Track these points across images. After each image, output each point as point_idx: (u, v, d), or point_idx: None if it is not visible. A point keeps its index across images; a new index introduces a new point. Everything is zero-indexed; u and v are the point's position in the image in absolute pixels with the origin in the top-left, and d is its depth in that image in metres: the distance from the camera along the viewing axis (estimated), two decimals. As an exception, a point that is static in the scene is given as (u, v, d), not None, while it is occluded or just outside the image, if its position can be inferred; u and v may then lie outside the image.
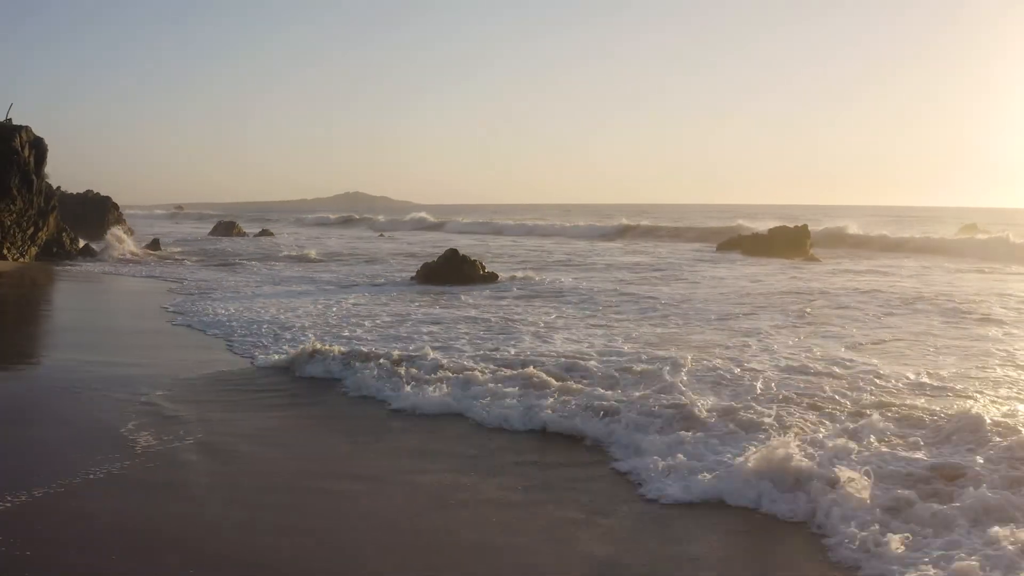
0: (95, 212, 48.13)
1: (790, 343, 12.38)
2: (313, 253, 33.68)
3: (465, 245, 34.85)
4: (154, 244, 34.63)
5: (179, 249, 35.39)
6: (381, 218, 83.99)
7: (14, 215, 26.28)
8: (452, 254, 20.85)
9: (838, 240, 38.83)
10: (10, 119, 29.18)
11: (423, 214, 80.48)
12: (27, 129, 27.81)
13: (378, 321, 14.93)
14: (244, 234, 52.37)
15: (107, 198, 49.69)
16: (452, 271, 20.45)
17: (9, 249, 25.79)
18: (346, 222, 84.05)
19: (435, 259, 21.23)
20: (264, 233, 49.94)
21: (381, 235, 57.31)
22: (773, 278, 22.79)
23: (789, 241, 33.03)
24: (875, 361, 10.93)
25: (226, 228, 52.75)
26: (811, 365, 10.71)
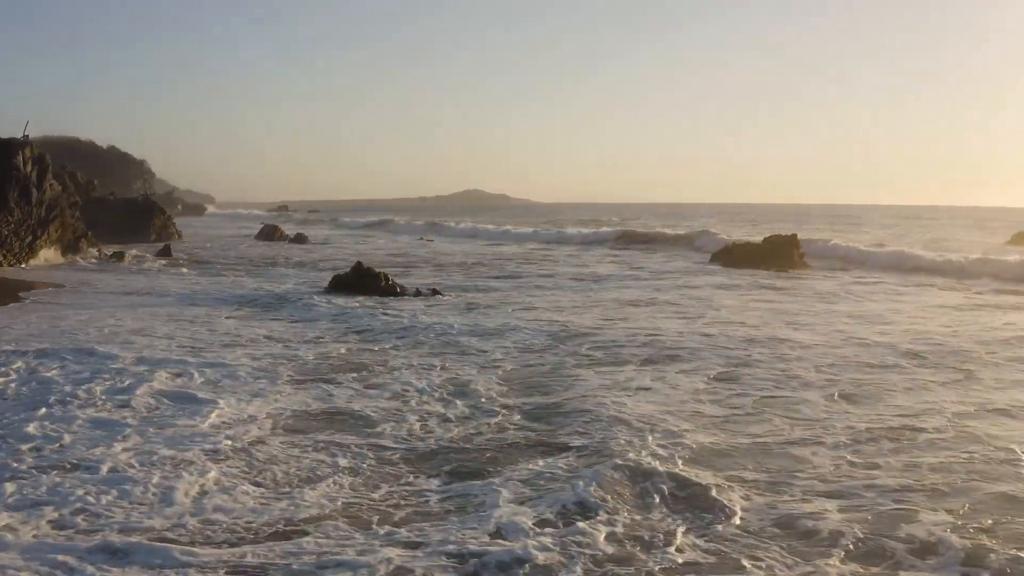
0: (142, 217, 52.35)
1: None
2: (294, 258, 36.06)
3: (461, 251, 36.48)
4: (165, 251, 37.56)
5: (186, 257, 38.15)
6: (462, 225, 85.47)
7: (12, 225, 29.50)
8: (359, 266, 22.53)
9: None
10: (26, 136, 32.80)
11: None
12: (30, 146, 31.14)
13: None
14: (285, 237, 55.42)
15: (153, 204, 53.84)
16: (359, 283, 22.13)
17: (5, 256, 28.97)
18: (432, 227, 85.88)
19: (346, 271, 22.93)
20: (298, 239, 52.76)
21: (421, 238, 59.65)
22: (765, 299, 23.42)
23: (776, 251, 33.25)
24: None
25: (269, 232, 56.01)
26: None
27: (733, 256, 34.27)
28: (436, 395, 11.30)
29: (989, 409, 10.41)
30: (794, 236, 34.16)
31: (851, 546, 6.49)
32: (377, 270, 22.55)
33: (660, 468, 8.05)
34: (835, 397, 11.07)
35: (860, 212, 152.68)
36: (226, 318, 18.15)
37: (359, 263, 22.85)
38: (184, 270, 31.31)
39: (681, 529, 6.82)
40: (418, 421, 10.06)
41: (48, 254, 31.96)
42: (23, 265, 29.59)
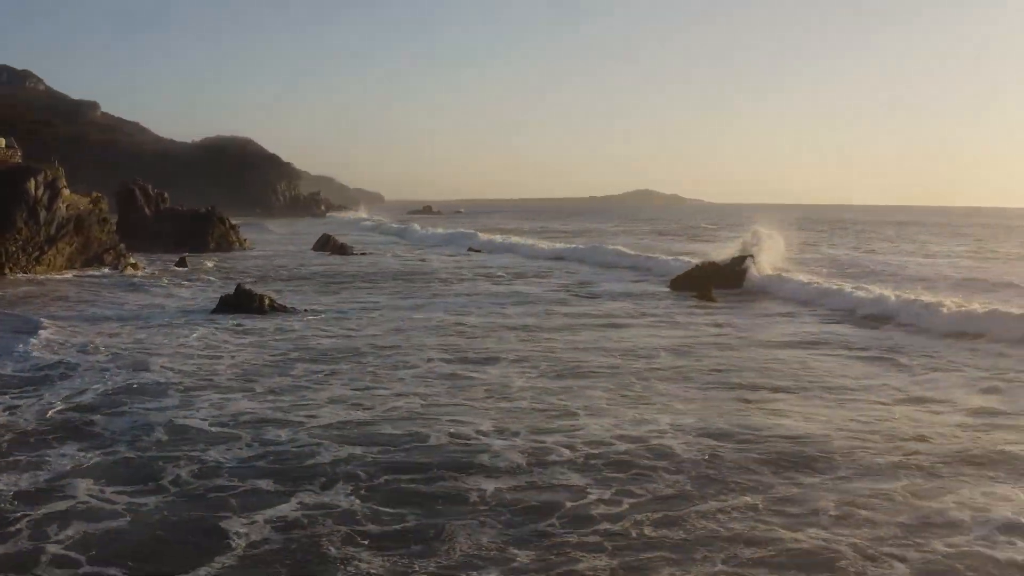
0: (202, 227, 58.44)
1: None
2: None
3: (453, 264, 39.39)
4: (181, 262, 42.75)
5: (198, 268, 43.09)
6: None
7: (20, 242, 35.19)
8: (238, 288, 26.12)
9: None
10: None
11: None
12: (44, 172, 36.84)
13: None
14: (337, 247, 59.79)
15: (210, 214, 59.76)
16: (238, 303, 25.69)
17: (12, 268, 34.60)
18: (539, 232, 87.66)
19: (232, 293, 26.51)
20: (340, 250, 56.96)
21: (469, 250, 62.77)
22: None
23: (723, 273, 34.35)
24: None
25: (323, 242, 60.79)
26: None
27: (691, 278, 35.07)
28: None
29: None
30: (744, 258, 35.03)
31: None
32: (257, 292, 25.98)
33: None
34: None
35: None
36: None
37: (239, 285, 26.41)
38: (164, 281, 35.93)
39: None
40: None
41: (59, 264, 37.43)
42: (27, 275, 35.08)
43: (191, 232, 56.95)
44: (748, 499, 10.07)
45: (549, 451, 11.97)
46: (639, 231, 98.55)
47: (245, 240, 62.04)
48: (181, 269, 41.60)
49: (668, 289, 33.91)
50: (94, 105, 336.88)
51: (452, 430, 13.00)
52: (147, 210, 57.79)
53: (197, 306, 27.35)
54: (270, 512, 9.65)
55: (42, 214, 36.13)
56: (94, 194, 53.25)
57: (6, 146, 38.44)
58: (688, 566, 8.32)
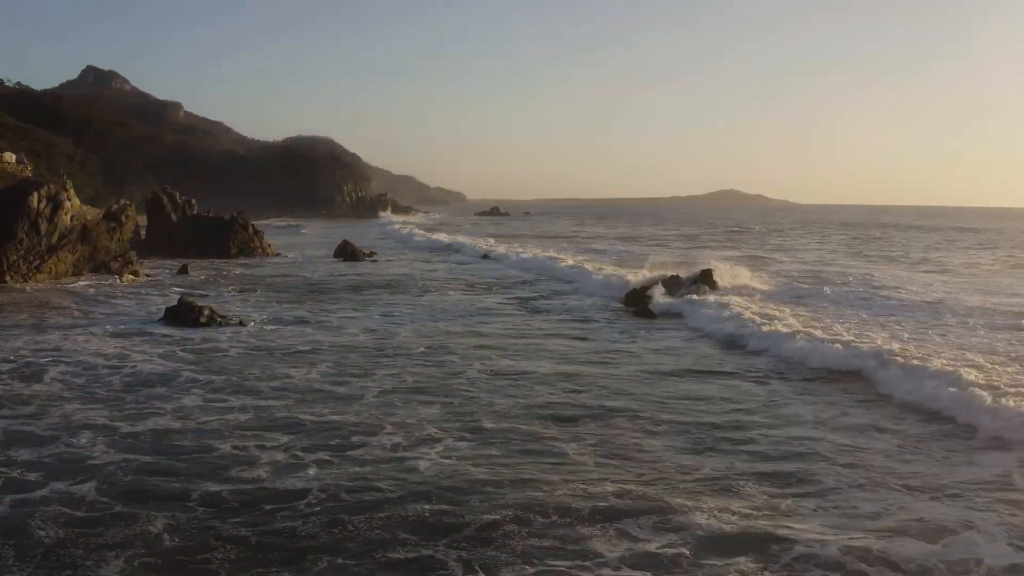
0: (223, 233, 61.78)
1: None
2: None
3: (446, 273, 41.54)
4: (183, 269, 45.88)
5: (194, 276, 46.10)
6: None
7: (21, 252, 38.64)
8: (181, 300, 28.68)
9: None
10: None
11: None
12: (47, 186, 40.29)
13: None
14: (360, 255, 62.43)
15: (233, 220, 63.00)
16: (183, 313, 28.25)
17: (12, 277, 38.04)
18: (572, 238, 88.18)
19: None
20: (351, 256, 59.70)
21: (486, 256, 64.77)
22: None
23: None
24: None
25: (342, 249, 63.57)
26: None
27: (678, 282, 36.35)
28: None
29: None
30: (708, 272, 36.27)
31: None
32: (197, 304, 28.49)
33: None
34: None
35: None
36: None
37: (182, 297, 28.97)
38: (144, 291, 38.84)
39: None
40: None
41: (62, 271, 40.83)
42: (26, 283, 38.50)
43: (214, 238, 60.29)
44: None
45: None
46: (680, 235, 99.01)
47: (270, 246, 64.92)
48: (181, 276, 44.63)
49: (621, 304, 35.20)
50: (177, 105, 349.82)
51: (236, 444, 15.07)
52: (174, 217, 61.45)
53: (148, 316, 29.97)
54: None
55: (43, 225, 39.51)
56: (122, 201, 57.19)
57: (16, 161, 42.13)
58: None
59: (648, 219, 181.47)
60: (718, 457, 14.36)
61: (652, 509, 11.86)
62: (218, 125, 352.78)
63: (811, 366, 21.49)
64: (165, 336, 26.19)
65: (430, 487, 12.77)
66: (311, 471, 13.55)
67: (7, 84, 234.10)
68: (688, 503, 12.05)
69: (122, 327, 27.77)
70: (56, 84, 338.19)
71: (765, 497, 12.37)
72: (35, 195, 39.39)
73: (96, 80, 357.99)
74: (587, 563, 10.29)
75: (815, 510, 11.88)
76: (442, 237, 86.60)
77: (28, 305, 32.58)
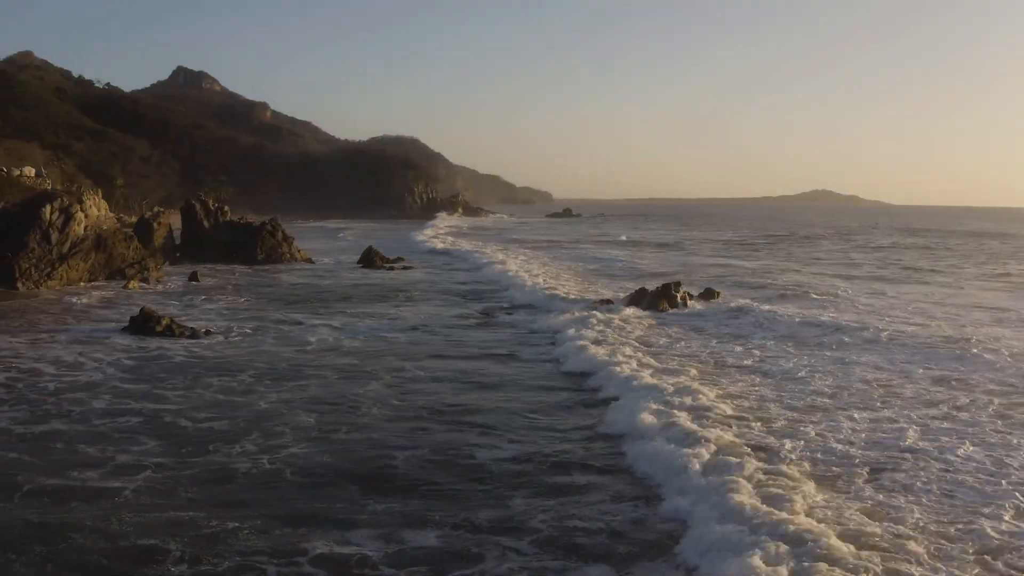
0: (250, 238, 65.05)
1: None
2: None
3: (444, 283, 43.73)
4: (193, 276, 49.07)
5: (213, 281, 49.24)
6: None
7: (33, 260, 42.29)
8: (143, 310, 31.39)
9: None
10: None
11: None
12: (60, 198, 43.92)
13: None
14: (383, 262, 64.79)
15: (261, 226, 66.20)
16: (139, 325, 31.00)
17: (24, 283, 41.68)
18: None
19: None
20: (366, 262, 62.15)
21: (503, 259, 66.69)
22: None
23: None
24: None
25: (365, 256, 66.20)
26: None
27: (638, 296, 37.88)
28: None
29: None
30: (667, 285, 37.52)
31: None
32: (157, 314, 31.22)
33: None
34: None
35: None
36: None
37: (143, 309, 31.73)
38: (139, 298, 41.82)
39: None
40: None
41: (74, 278, 44.35)
42: (38, 288, 42.08)
43: (242, 244, 63.66)
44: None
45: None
46: (722, 241, 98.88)
47: (300, 251, 67.79)
48: (193, 284, 47.76)
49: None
50: (264, 106, 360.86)
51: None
52: (206, 223, 65.10)
53: (116, 324, 32.82)
54: None
55: (54, 235, 43.12)
56: (155, 208, 61.10)
57: (35, 175, 45.98)
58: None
59: (715, 221, 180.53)
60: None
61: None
62: (305, 125, 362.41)
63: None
64: (122, 345, 28.96)
65: (246, 496, 15.04)
66: (146, 473, 15.96)
67: (97, 85, 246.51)
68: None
69: (88, 335, 30.69)
70: (147, 84, 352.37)
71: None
72: (48, 207, 43.01)
73: (186, 81, 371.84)
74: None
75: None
76: (450, 245, 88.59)
77: (21, 311, 35.94)
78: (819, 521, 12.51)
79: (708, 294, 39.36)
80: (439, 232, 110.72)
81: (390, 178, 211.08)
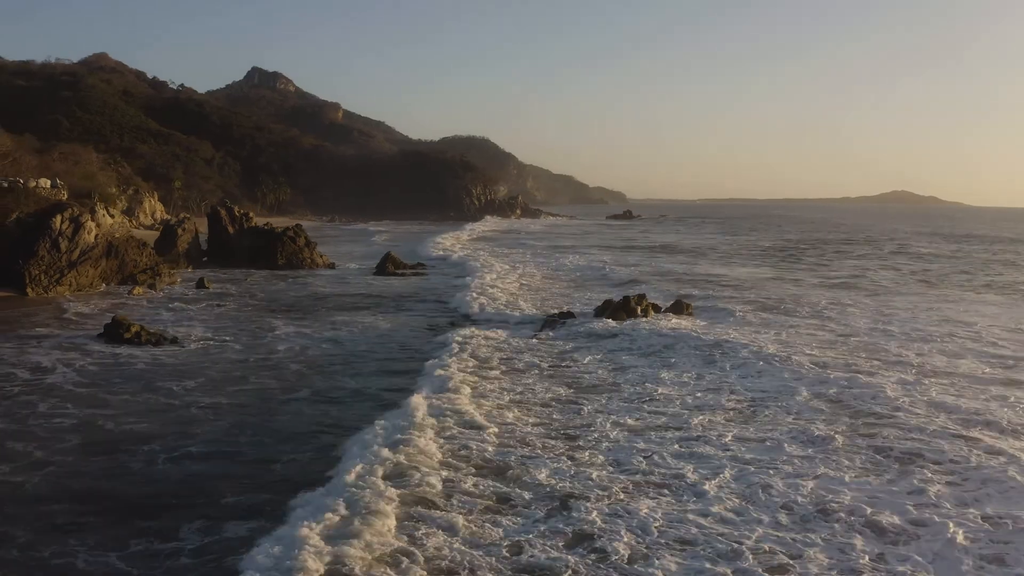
0: (271, 244, 67.67)
1: None
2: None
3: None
4: (200, 283, 51.72)
5: (220, 288, 51.78)
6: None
7: (43, 267, 45.37)
8: (113, 319, 33.80)
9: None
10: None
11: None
12: (71, 208, 46.94)
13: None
14: (400, 267, 66.76)
15: (281, 233, 68.75)
16: (110, 332, 33.43)
17: (34, 289, 44.76)
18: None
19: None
20: (379, 269, 64.09)
21: (514, 265, 68.05)
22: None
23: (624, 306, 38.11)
24: None
25: (381, 263, 68.19)
26: None
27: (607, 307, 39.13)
28: None
29: None
30: (631, 298, 38.65)
31: None
32: (127, 322, 33.60)
33: None
34: None
35: None
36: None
37: (115, 317, 34.13)
38: (135, 303, 44.60)
39: None
40: None
41: (84, 284, 47.30)
42: (47, 295, 45.10)
43: (263, 250, 66.33)
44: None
45: None
46: (756, 247, 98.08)
47: (322, 256, 70.02)
48: (198, 291, 50.35)
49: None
50: (335, 106, 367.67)
51: None
52: (230, 229, 68.05)
53: (94, 331, 35.32)
54: None
55: (63, 244, 46.12)
56: (181, 215, 64.24)
57: (51, 187, 49.16)
58: None
59: (776, 222, 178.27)
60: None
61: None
62: (378, 125, 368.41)
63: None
64: (96, 351, 31.45)
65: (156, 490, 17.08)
66: (50, 469, 18.27)
67: (171, 86, 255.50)
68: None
69: (69, 341, 33.21)
70: (222, 85, 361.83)
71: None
72: (58, 217, 46.02)
73: (261, 81, 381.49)
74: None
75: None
76: (459, 251, 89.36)
77: (18, 317, 38.81)
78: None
79: (678, 307, 40.12)
80: (460, 239, 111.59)
81: (450, 180, 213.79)
